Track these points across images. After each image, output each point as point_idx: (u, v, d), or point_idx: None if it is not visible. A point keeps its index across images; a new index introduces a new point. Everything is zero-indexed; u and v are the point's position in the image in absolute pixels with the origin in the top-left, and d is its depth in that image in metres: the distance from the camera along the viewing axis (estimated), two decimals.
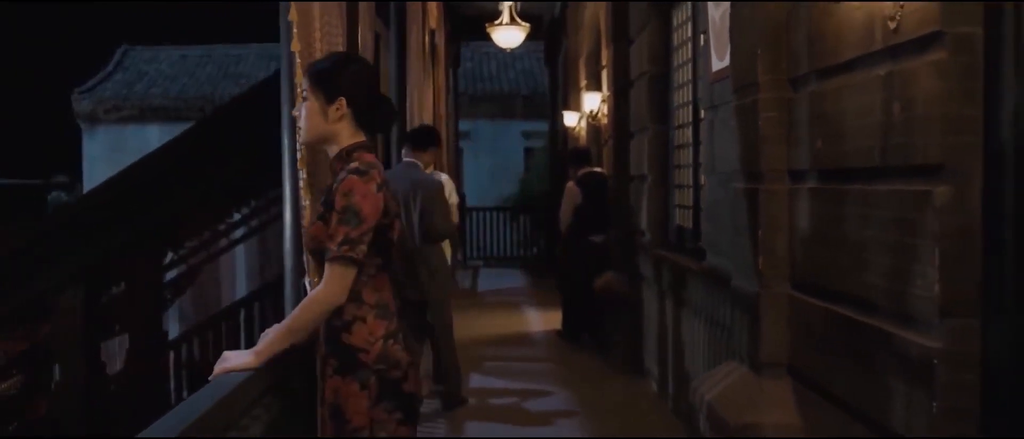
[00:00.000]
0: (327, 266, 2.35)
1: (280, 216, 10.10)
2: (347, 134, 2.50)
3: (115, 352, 9.24)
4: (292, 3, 2.78)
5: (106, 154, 20.39)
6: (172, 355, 9.08)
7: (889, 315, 2.51)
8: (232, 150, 8.35)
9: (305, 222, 2.88)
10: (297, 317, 2.41)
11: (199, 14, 28.06)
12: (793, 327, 3.28)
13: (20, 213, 21.92)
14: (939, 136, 2.24)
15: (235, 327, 9.33)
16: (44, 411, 9.01)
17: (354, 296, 2.41)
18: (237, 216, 9.38)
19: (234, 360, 2.34)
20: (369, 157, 2.49)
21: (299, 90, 2.66)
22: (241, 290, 10.54)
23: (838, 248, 2.87)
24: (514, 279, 13.68)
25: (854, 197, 2.75)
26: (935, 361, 2.25)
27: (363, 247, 2.36)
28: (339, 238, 2.34)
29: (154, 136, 20.83)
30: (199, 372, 8.78)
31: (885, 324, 2.52)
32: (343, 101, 2.47)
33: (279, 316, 6.73)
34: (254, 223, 9.46)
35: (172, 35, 24.35)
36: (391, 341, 2.46)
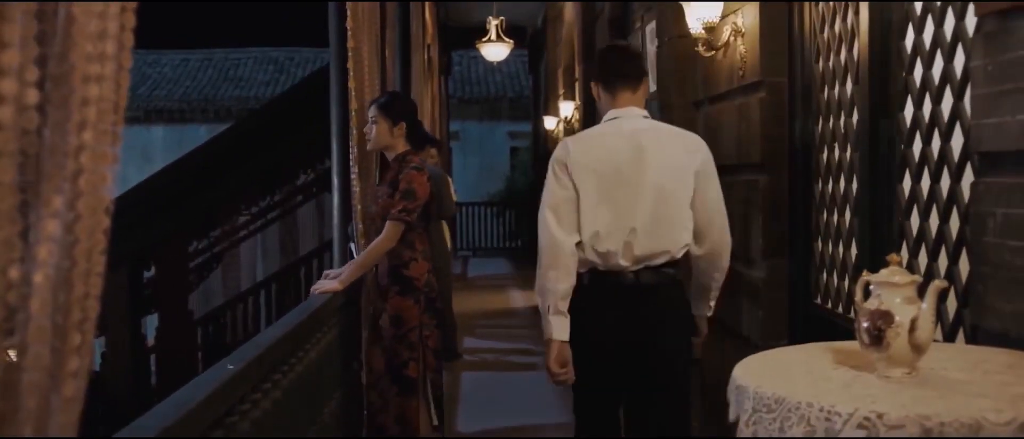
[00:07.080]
0: (388, 223, 3.67)
1: (294, 210, 11.46)
2: (401, 144, 3.83)
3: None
4: (350, 54, 4.08)
5: None
6: (199, 332, 10.39)
7: (742, 261, 3.87)
8: (254, 152, 9.69)
9: (355, 201, 4.18)
10: (365, 257, 3.72)
11: (198, 18, 29.08)
12: None
13: None
14: (761, 145, 3.61)
15: (256, 307, 10.60)
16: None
17: (410, 245, 3.75)
18: (255, 209, 10.61)
19: (327, 284, 3.65)
20: (417, 160, 3.83)
21: (367, 116, 3.94)
22: (259, 274, 11.79)
23: None
24: (500, 267, 15.02)
25: (726, 185, 4.10)
26: (760, 285, 3.61)
27: (414, 215, 3.70)
28: (400, 207, 3.67)
29: (159, 136, 21.86)
30: (222, 348, 10.11)
31: (741, 267, 3.88)
32: (404, 123, 3.80)
33: (296, 296, 8.32)
34: (272, 215, 10.72)
35: (172, 38, 25.04)
36: (430, 274, 3.81)
